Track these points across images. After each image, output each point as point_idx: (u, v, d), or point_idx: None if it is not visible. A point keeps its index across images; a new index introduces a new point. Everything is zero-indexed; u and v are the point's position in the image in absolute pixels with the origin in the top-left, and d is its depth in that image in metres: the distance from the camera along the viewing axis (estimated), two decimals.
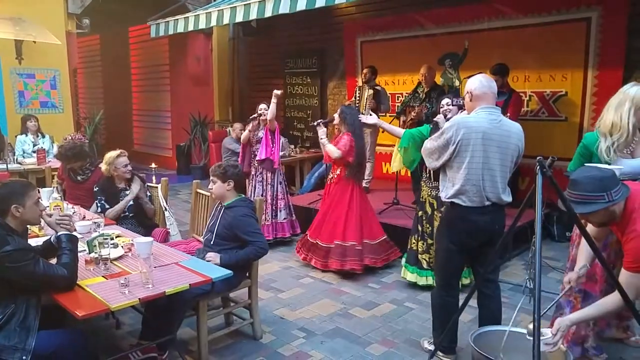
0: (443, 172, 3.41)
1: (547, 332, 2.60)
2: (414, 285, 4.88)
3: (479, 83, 3.29)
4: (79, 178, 5.16)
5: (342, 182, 5.37)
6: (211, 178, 3.89)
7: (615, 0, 6.02)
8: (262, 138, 6.24)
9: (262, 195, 6.21)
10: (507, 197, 3.32)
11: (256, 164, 6.32)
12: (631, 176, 3.12)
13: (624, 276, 2.58)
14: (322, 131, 5.51)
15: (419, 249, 4.84)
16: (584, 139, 3.42)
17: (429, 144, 3.42)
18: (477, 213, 3.26)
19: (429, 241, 4.73)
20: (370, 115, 5.57)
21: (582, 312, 2.74)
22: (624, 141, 3.17)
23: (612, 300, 2.60)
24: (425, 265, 4.82)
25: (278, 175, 6.39)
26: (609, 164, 3.15)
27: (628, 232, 2.56)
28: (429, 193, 4.70)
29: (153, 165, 5.20)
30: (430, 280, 4.76)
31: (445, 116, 4.32)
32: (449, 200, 3.33)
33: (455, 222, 3.37)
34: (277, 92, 6.10)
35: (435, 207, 4.65)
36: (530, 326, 2.52)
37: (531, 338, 2.36)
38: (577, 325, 3.31)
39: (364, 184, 7.46)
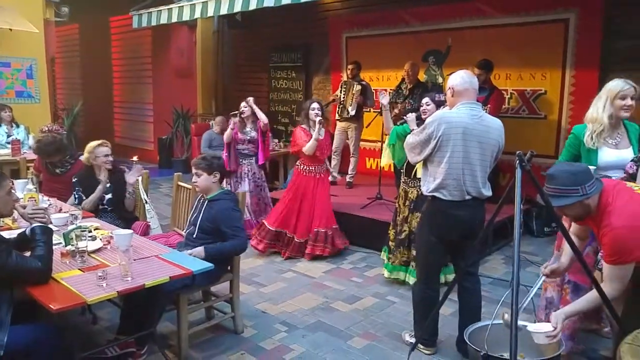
0: (424, 166, 3.45)
1: (547, 326, 2.63)
2: (395, 279, 4.89)
3: (460, 79, 3.34)
4: (57, 171, 5.03)
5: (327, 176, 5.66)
6: (195, 171, 3.81)
7: (591, 3, 6.11)
8: (255, 138, 6.23)
9: (261, 194, 6.37)
10: (487, 192, 3.37)
11: (255, 164, 6.30)
12: (605, 174, 3.22)
13: (606, 270, 2.64)
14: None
15: (390, 236, 4.96)
16: (573, 129, 3.55)
17: (411, 138, 3.46)
18: (458, 207, 3.30)
19: (398, 230, 4.84)
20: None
21: (575, 305, 2.77)
22: (604, 131, 3.33)
23: (606, 290, 2.62)
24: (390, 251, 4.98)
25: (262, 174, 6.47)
26: (593, 149, 3.35)
27: (603, 227, 2.61)
28: (402, 187, 4.81)
29: (134, 158, 5.12)
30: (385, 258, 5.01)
31: (422, 115, 4.35)
32: (430, 194, 3.37)
33: (436, 215, 3.40)
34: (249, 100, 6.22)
35: (403, 201, 4.76)
36: (507, 316, 2.55)
37: (526, 328, 2.53)
38: (572, 319, 3.37)
39: (347, 179, 7.51)
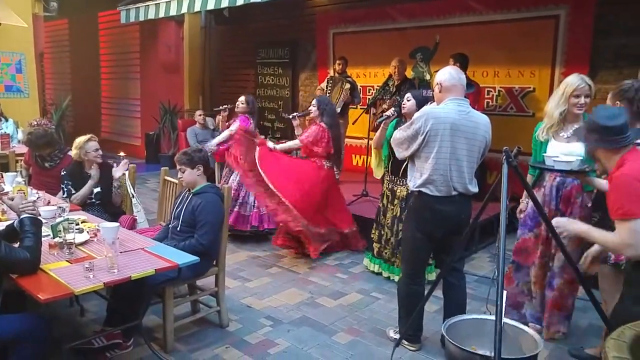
0: (411, 162, 3.45)
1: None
2: (380, 276, 4.92)
3: (448, 75, 3.36)
4: (46, 165, 5.06)
5: (321, 172, 5.39)
6: (178, 167, 3.83)
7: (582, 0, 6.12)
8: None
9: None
10: (474, 188, 3.39)
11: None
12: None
13: (618, 227, 2.49)
14: (296, 124, 5.51)
15: (374, 238, 4.96)
16: (535, 128, 3.75)
17: (398, 134, 3.46)
18: (444, 202, 3.32)
19: (383, 231, 4.84)
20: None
21: (587, 228, 2.70)
22: (554, 125, 3.52)
23: (612, 238, 2.53)
24: (375, 254, 4.96)
25: None
26: (544, 142, 3.58)
27: (610, 178, 2.57)
28: (387, 186, 4.78)
29: (121, 153, 5.14)
30: (377, 269, 4.96)
31: (400, 109, 4.33)
32: (417, 189, 3.38)
33: (422, 211, 3.41)
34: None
35: (390, 200, 4.73)
36: None
37: None
38: (514, 293, 3.83)
39: None
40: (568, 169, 3.14)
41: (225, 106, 6.27)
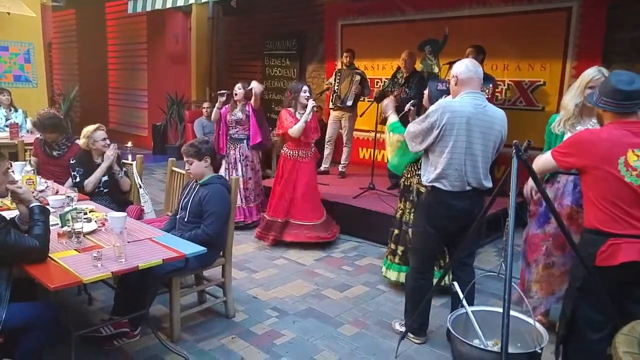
0: (425, 156, 3.39)
1: None
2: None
3: (465, 67, 3.28)
4: (54, 153, 5.08)
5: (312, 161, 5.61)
6: (186, 159, 3.83)
7: None
8: (242, 119, 6.13)
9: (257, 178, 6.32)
10: (488, 183, 3.34)
11: (247, 147, 6.16)
12: None
13: (550, 152, 2.88)
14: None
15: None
16: (550, 120, 3.67)
17: (412, 127, 3.38)
18: (458, 197, 3.27)
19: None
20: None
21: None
22: (570, 119, 3.45)
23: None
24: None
25: (257, 158, 6.35)
26: (560, 135, 3.49)
27: None
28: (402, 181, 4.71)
29: (129, 143, 5.14)
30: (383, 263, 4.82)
31: (420, 102, 4.27)
32: (430, 184, 3.32)
33: (435, 205, 3.36)
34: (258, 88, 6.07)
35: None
36: None
37: None
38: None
39: (340, 169, 7.51)
40: None
41: (224, 91, 6.24)
